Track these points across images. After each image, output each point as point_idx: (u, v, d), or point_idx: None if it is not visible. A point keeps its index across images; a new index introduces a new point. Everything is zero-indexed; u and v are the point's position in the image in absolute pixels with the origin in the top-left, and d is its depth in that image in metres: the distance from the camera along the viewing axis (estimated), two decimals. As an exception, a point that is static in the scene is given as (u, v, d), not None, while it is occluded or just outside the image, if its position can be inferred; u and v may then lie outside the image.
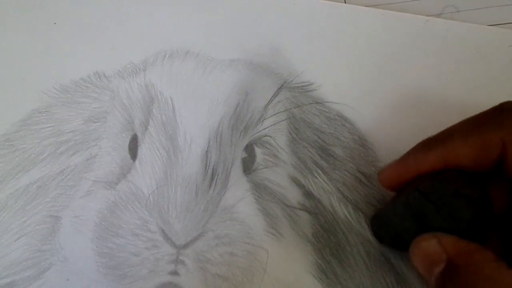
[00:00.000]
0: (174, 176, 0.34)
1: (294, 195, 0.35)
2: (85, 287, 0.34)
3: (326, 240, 0.35)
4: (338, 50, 0.39)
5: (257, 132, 0.36)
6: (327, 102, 0.38)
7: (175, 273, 0.33)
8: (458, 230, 0.27)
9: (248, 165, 0.36)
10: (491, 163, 0.28)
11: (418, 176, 0.30)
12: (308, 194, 0.36)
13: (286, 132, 0.37)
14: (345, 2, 0.41)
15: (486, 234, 0.28)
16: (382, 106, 0.38)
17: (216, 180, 0.34)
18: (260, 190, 0.35)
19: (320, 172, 0.36)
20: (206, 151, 0.35)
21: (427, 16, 0.40)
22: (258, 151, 0.36)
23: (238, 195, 0.34)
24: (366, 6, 0.40)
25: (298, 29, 0.39)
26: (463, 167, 0.28)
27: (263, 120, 0.36)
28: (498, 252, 0.27)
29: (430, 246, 0.27)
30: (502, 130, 0.28)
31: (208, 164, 0.34)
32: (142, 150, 0.35)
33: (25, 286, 0.34)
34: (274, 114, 0.37)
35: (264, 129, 0.36)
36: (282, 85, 0.38)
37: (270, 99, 0.37)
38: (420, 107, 0.37)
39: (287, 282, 0.34)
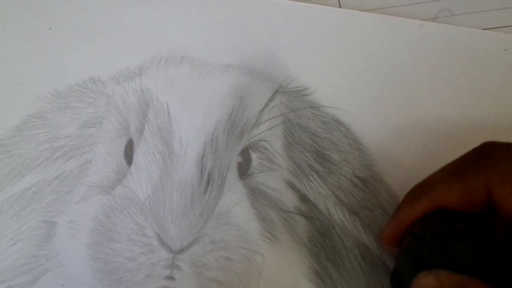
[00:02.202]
0: (170, 181, 0.34)
1: (290, 200, 0.35)
2: (81, 292, 0.34)
3: (322, 244, 0.35)
4: (333, 54, 0.39)
5: (252, 137, 0.36)
6: (323, 106, 0.38)
7: (171, 278, 0.33)
8: (456, 265, 0.27)
9: (243, 170, 0.36)
10: (478, 205, 0.28)
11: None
12: (303, 198, 0.36)
13: (282, 137, 0.37)
14: (340, 7, 0.41)
15: (496, 269, 0.28)
16: (377, 110, 0.38)
17: (212, 185, 0.34)
18: (256, 194, 0.35)
19: (316, 176, 0.36)
20: (202, 156, 0.35)
21: (422, 20, 0.40)
22: (253, 155, 0.36)
23: (234, 200, 0.34)
24: (360, 10, 0.40)
25: (293, 34, 0.40)
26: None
27: (258, 125, 0.36)
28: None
29: (428, 283, 0.27)
30: (484, 173, 0.28)
31: (203, 169, 0.34)
32: (138, 155, 0.35)
33: (20, 291, 0.34)
34: (269, 119, 0.37)
35: (260, 133, 0.36)
36: (278, 89, 0.38)
37: (266, 103, 0.37)
38: (415, 111, 0.38)
39: (283, 286, 0.34)
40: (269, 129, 0.36)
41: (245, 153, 0.36)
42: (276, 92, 0.38)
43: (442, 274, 0.27)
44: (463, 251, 0.27)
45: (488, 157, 0.29)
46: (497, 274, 0.27)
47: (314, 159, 0.36)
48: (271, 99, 0.37)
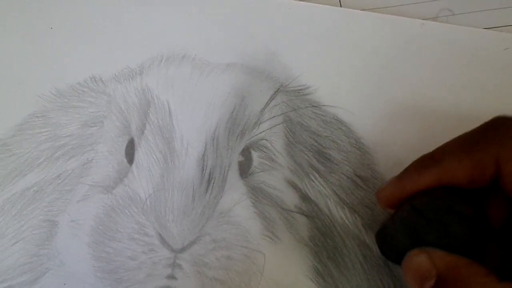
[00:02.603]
0: (171, 180, 0.34)
1: (291, 199, 0.36)
2: (82, 291, 0.34)
3: (323, 243, 0.35)
4: (334, 53, 0.39)
5: (253, 136, 0.36)
6: (323, 105, 0.38)
7: (172, 277, 0.33)
8: (451, 246, 0.27)
9: (244, 169, 0.36)
10: (486, 180, 0.28)
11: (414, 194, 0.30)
12: (304, 197, 0.36)
13: (283, 136, 0.37)
14: (340, 6, 0.41)
15: (484, 249, 0.28)
16: (378, 109, 0.38)
17: (213, 184, 0.34)
18: (257, 193, 0.35)
19: (317, 175, 0.36)
20: (203, 155, 0.35)
21: (423, 19, 0.40)
22: (254, 154, 0.36)
23: (235, 199, 0.35)
24: (361, 10, 0.40)
25: (294, 33, 0.40)
26: (458, 185, 0.28)
27: (259, 124, 0.36)
28: (496, 266, 0.27)
29: (420, 261, 0.27)
30: (495, 148, 0.28)
31: (204, 168, 0.34)
32: (139, 154, 0.35)
33: (21, 291, 0.34)
34: (270, 118, 0.37)
35: (261, 132, 0.36)
36: (279, 88, 0.38)
37: (267, 102, 0.37)
38: (416, 110, 0.38)
39: (284, 285, 0.34)
40: (270, 128, 0.36)
41: (246, 152, 0.36)
42: (277, 91, 0.38)
43: (436, 253, 0.27)
44: (458, 233, 0.27)
45: (500, 131, 0.28)
46: (492, 258, 0.27)
47: (315, 158, 0.36)
48: (272, 98, 0.37)
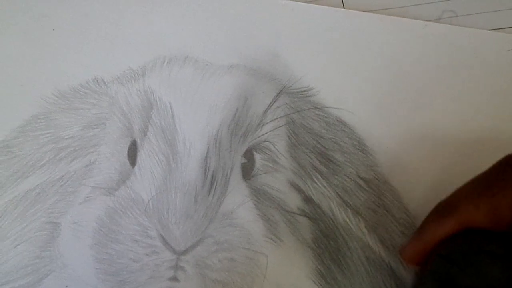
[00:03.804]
0: (174, 182, 0.34)
1: (293, 201, 0.35)
2: (85, 293, 0.34)
3: (325, 246, 0.35)
4: (336, 55, 0.39)
5: (256, 138, 0.36)
6: (326, 107, 0.38)
7: (174, 279, 0.33)
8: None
9: (247, 171, 0.36)
10: (507, 223, 0.28)
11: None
12: (307, 199, 0.35)
13: (285, 138, 0.37)
14: (343, 7, 0.41)
15: None
16: (381, 111, 0.38)
17: (216, 186, 0.34)
18: (260, 195, 0.35)
19: (320, 177, 0.36)
20: (206, 157, 0.35)
21: (426, 21, 0.40)
22: (257, 156, 0.36)
23: (238, 201, 0.34)
24: (364, 11, 0.40)
25: (297, 35, 0.39)
26: (481, 228, 0.28)
27: (262, 126, 0.36)
28: None
29: None
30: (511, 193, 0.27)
31: (207, 170, 0.34)
32: (141, 156, 0.35)
33: (24, 293, 0.34)
34: (273, 120, 0.37)
35: (263, 134, 0.36)
36: (281, 90, 0.38)
37: (269, 104, 0.37)
38: (419, 112, 0.38)
39: (286, 287, 0.34)
40: (273, 130, 0.36)
41: (248, 154, 0.36)
42: (279, 93, 0.38)
43: None
44: (494, 273, 0.26)
45: None
46: None
47: (318, 160, 0.36)
48: (274, 100, 0.37)
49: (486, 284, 0.27)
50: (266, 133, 0.36)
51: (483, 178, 0.29)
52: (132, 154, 0.36)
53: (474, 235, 0.28)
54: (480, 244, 0.27)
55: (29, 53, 0.39)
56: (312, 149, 0.37)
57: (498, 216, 0.28)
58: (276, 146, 0.36)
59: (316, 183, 0.36)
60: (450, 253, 0.28)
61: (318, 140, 0.37)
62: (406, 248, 0.31)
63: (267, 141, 0.36)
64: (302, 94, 0.38)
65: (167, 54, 0.39)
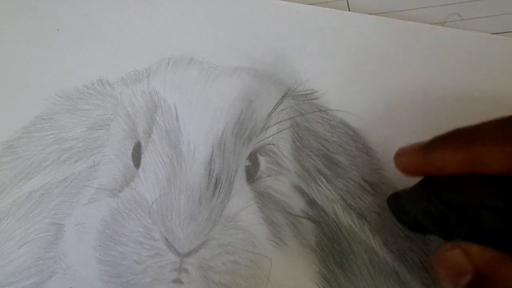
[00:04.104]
0: (178, 184, 0.34)
1: (297, 204, 0.35)
2: (88, 295, 0.34)
3: (329, 249, 0.34)
4: (342, 58, 0.39)
5: (260, 140, 0.36)
6: (331, 110, 0.38)
7: (178, 281, 0.33)
8: (484, 240, 0.26)
9: (251, 174, 0.35)
10: None
11: (439, 176, 0.28)
12: (311, 202, 0.35)
13: (290, 140, 0.37)
14: (349, 10, 0.41)
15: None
16: (386, 114, 0.38)
17: (220, 189, 0.34)
18: (264, 198, 0.35)
19: (324, 180, 0.36)
20: (210, 159, 0.35)
21: (431, 24, 0.40)
22: (261, 159, 0.36)
23: (242, 204, 0.34)
24: (370, 14, 0.40)
25: (302, 37, 0.39)
26: (493, 173, 0.26)
27: (266, 128, 0.36)
28: None
29: (455, 257, 0.26)
30: None
31: (211, 172, 0.34)
32: (146, 158, 0.35)
33: (27, 294, 0.34)
34: (277, 122, 0.37)
35: (268, 137, 0.36)
36: (286, 93, 0.38)
37: (274, 107, 0.37)
38: (424, 115, 0.37)
39: (290, 290, 0.34)
40: (277, 132, 0.36)
41: (253, 157, 0.36)
42: (284, 95, 0.37)
43: (472, 248, 0.26)
44: (493, 227, 0.26)
45: None
46: None
47: (322, 163, 0.36)
48: (279, 103, 0.37)
49: (481, 236, 0.26)
50: (270, 136, 0.36)
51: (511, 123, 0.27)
52: (136, 155, 0.36)
53: (478, 186, 0.27)
54: (483, 196, 0.27)
55: (34, 53, 0.39)
56: (316, 152, 0.37)
57: None
58: (280, 149, 0.36)
59: (320, 186, 0.36)
60: (451, 201, 0.27)
61: (322, 143, 0.37)
62: (405, 155, 0.30)
63: (272, 144, 0.36)
64: (306, 96, 0.38)
65: (172, 55, 0.39)
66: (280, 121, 0.37)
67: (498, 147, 0.26)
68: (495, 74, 0.38)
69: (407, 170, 0.30)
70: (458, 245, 0.26)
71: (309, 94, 0.38)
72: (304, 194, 0.36)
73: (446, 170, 0.28)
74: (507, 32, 0.40)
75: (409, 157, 0.30)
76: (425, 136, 0.37)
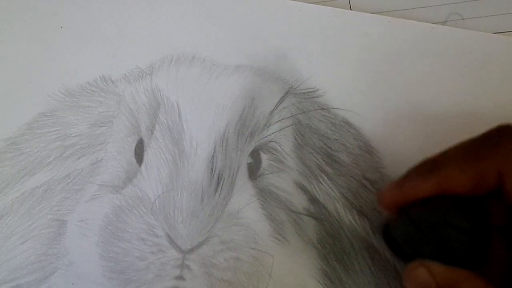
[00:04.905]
0: (180, 181, 0.34)
1: (299, 201, 0.36)
2: (91, 291, 0.34)
3: (331, 246, 0.35)
4: (343, 56, 0.39)
5: (263, 138, 0.36)
6: (333, 108, 0.38)
7: (180, 277, 0.33)
8: (450, 259, 0.27)
9: (253, 171, 0.36)
10: (487, 190, 0.28)
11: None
12: (313, 199, 0.36)
13: (292, 138, 0.37)
14: (350, 9, 0.41)
15: (485, 256, 0.28)
16: (387, 113, 0.38)
17: (222, 185, 0.34)
18: (266, 195, 0.35)
19: (325, 178, 0.36)
20: (212, 156, 0.35)
21: (432, 23, 0.40)
22: (263, 156, 0.36)
23: (244, 201, 0.35)
24: (371, 13, 0.40)
25: (304, 36, 0.40)
26: (459, 193, 0.28)
27: (269, 126, 0.36)
28: (499, 271, 0.27)
29: (420, 274, 0.28)
30: (498, 159, 0.28)
31: (214, 169, 0.34)
32: (148, 155, 0.35)
33: (30, 290, 0.34)
34: (279, 120, 0.37)
35: (270, 134, 0.36)
36: (288, 91, 0.38)
37: (276, 105, 0.37)
38: (425, 114, 0.38)
39: (292, 287, 0.34)
40: (279, 130, 0.37)
41: (255, 154, 0.36)
42: (286, 93, 0.38)
43: (435, 267, 0.27)
44: (457, 246, 0.28)
45: (504, 142, 0.28)
46: (495, 262, 0.27)
47: (324, 160, 0.36)
48: (281, 101, 0.37)
49: (447, 255, 0.28)
50: (272, 133, 0.36)
51: (473, 143, 0.29)
52: (139, 152, 0.36)
53: (444, 206, 0.29)
54: (448, 217, 0.28)
55: (37, 50, 0.40)
56: (318, 150, 0.37)
57: (481, 181, 0.28)
58: (282, 147, 0.36)
59: (322, 184, 0.36)
60: (419, 221, 0.29)
61: (324, 141, 0.37)
62: (384, 194, 0.31)
63: (274, 141, 0.36)
64: (308, 95, 0.38)
65: (175, 53, 0.39)
66: (282, 119, 0.37)
67: (459, 169, 0.28)
68: (496, 73, 0.38)
69: (388, 206, 0.32)
70: (422, 264, 0.28)
71: (311, 92, 0.38)
72: (306, 191, 0.36)
73: (420, 197, 0.30)
74: (508, 31, 0.40)
75: (386, 194, 0.31)
76: (425, 134, 0.37)
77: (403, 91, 0.38)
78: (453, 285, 0.27)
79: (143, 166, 0.35)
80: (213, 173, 0.34)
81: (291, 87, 0.38)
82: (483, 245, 0.28)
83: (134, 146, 0.36)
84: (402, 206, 0.30)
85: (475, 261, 0.28)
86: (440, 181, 0.29)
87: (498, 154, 0.28)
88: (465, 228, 0.28)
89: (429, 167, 0.30)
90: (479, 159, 0.28)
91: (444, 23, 0.40)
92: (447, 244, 0.28)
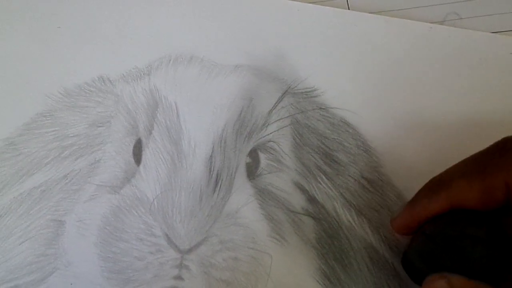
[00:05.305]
0: (178, 181, 0.34)
1: (298, 201, 0.36)
2: (89, 291, 0.34)
3: (329, 246, 0.35)
4: (341, 56, 0.39)
5: (261, 138, 0.36)
6: (331, 108, 0.38)
7: (179, 277, 0.33)
8: (469, 270, 0.27)
9: (252, 170, 0.36)
10: (497, 203, 0.28)
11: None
12: (311, 199, 0.36)
13: (290, 138, 0.37)
14: (348, 9, 0.41)
15: (505, 271, 0.28)
16: (385, 112, 0.38)
17: (220, 185, 0.34)
18: (264, 195, 0.35)
19: (324, 177, 0.36)
20: (210, 156, 0.35)
21: (430, 23, 0.40)
22: (262, 156, 0.36)
23: (242, 200, 0.35)
24: (369, 12, 0.40)
25: (302, 35, 0.40)
26: (470, 208, 0.29)
27: (267, 126, 0.36)
28: None
29: (440, 287, 0.27)
30: (505, 172, 0.28)
31: (212, 169, 0.34)
32: (147, 155, 0.35)
33: (28, 290, 0.34)
34: (278, 120, 0.37)
35: (268, 134, 0.36)
36: (286, 90, 0.38)
37: (274, 104, 0.37)
38: (423, 113, 0.38)
39: (290, 287, 0.34)
40: (278, 130, 0.37)
41: (253, 154, 0.36)
42: (284, 93, 0.38)
43: (455, 279, 0.27)
44: (475, 257, 0.27)
45: (509, 154, 0.28)
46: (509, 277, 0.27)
47: (322, 160, 0.36)
48: (279, 100, 0.37)
49: (466, 266, 0.28)
50: (271, 133, 0.36)
51: (478, 158, 0.30)
52: (137, 152, 0.36)
53: (459, 218, 0.29)
54: (463, 228, 0.28)
55: (35, 50, 0.39)
56: (316, 150, 0.37)
57: (489, 196, 0.28)
58: (280, 146, 0.36)
59: (320, 183, 0.36)
60: (435, 235, 0.29)
61: (322, 141, 0.37)
62: (397, 219, 0.32)
63: (272, 141, 0.36)
64: (307, 94, 0.38)
65: (173, 53, 0.39)
66: (281, 119, 0.37)
67: (467, 185, 0.28)
68: (494, 72, 0.38)
69: (402, 230, 0.32)
70: (443, 276, 0.28)
71: (309, 92, 0.38)
72: (304, 191, 0.36)
73: (431, 215, 0.30)
74: (506, 31, 0.40)
75: (399, 219, 0.32)
76: (423, 133, 0.37)
77: (401, 90, 0.38)
78: None
79: (141, 166, 0.35)
80: (211, 173, 0.34)
81: (289, 87, 0.38)
82: (501, 255, 0.28)
83: (132, 146, 0.36)
84: (416, 228, 0.31)
85: (494, 273, 0.28)
86: (449, 198, 0.29)
87: (504, 167, 0.28)
88: (482, 238, 0.27)
89: (437, 185, 0.30)
90: (485, 173, 0.28)
91: (442, 22, 0.41)
92: (465, 255, 0.28)
